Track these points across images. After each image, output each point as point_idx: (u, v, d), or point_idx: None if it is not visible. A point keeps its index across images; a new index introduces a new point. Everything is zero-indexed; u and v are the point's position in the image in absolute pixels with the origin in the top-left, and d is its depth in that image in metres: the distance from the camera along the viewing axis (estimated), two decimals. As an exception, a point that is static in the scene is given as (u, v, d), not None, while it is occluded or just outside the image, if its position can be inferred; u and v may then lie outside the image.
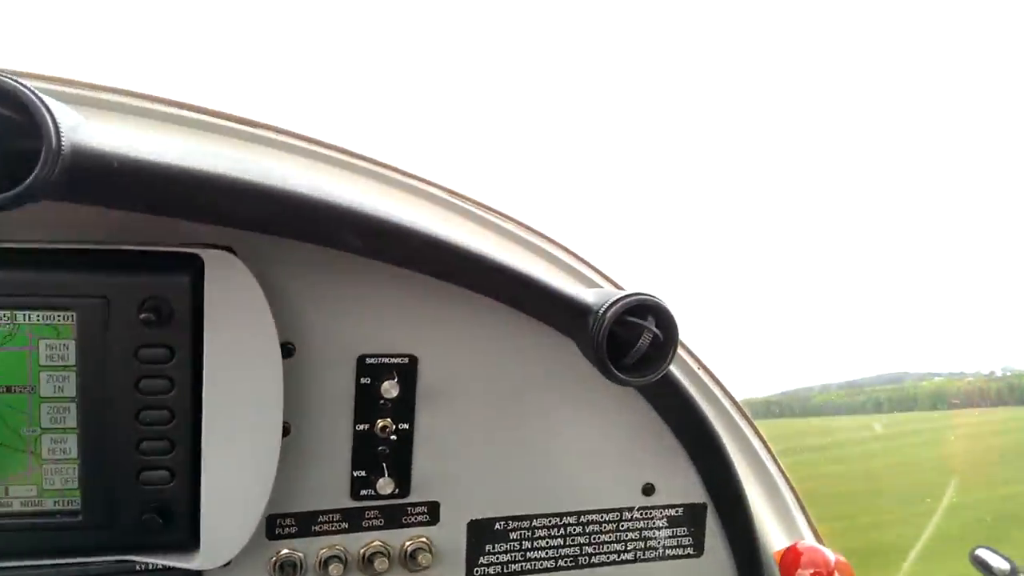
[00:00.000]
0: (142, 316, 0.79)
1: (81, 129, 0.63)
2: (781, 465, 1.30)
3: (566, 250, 1.07)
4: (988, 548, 1.24)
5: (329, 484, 0.97)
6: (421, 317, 0.96)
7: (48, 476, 0.81)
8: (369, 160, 0.97)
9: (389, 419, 0.96)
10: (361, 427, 0.96)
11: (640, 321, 0.89)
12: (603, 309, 0.88)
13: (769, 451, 1.27)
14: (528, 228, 1.07)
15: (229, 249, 0.84)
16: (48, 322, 0.79)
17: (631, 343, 0.89)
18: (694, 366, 1.12)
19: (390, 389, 0.95)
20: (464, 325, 0.99)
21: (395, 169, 0.99)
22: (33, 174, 0.58)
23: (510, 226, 1.05)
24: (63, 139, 0.59)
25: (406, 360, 0.97)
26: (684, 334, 1.00)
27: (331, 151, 0.96)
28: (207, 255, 0.82)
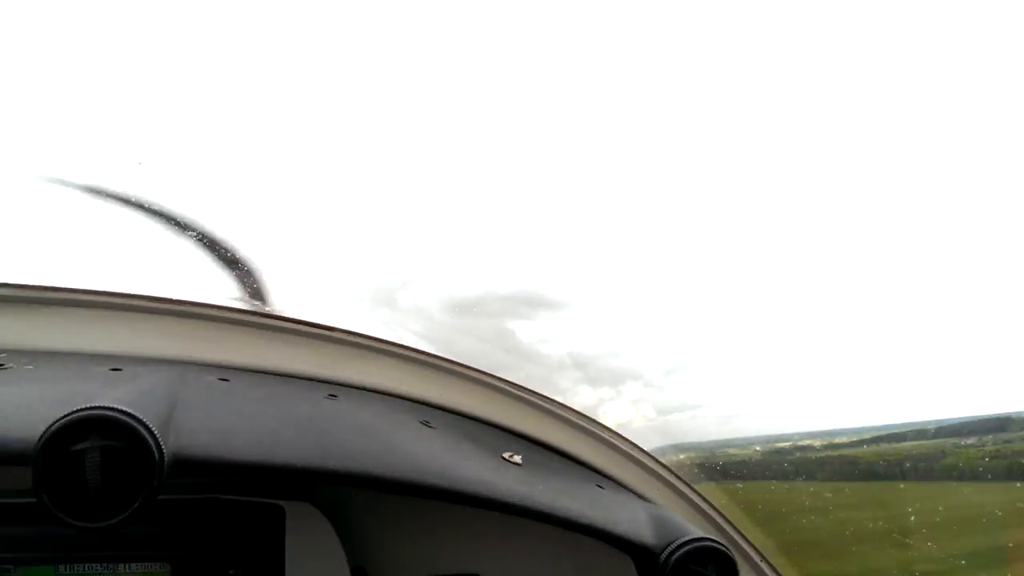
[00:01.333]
0: (231, 571, 0.85)
1: (173, 428, 0.67)
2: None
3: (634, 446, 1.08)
4: None
5: None
6: (484, 536, 1.00)
7: None
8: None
9: (456, 633, 1.01)
10: None
11: (700, 570, 0.90)
12: (665, 555, 0.89)
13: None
14: (591, 420, 1.08)
15: (309, 498, 0.89)
16: (146, 571, 0.85)
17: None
18: (756, 558, 1.12)
19: None
20: (526, 540, 1.02)
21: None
22: (142, 495, 0.61)
23: (580, 421, 1.07)
24: (165, 456, 0.63)
25: None
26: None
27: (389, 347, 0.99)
28: (289, 506, 0.87)
